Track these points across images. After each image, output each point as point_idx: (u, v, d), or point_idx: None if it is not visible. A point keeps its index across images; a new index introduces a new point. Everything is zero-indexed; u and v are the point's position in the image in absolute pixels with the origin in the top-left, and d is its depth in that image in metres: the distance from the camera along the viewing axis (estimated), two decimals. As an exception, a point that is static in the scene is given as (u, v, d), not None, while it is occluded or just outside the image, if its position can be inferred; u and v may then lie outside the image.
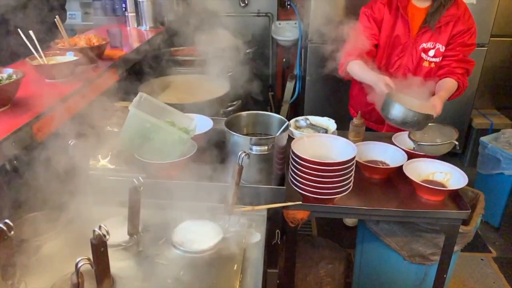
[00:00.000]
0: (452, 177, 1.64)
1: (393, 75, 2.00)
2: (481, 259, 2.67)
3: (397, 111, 1.62)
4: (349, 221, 2.93)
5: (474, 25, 1.98)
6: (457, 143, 1.63)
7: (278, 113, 1.66)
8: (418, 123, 1.62)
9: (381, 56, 2.10)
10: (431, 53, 2.00)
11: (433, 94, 1.91)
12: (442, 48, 1.98)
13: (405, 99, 1.75)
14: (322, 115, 2.04)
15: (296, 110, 4.00)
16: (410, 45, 2.03)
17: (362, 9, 2.10)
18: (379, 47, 2.09)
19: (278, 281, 1.63)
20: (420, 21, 1.99)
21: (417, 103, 1.75)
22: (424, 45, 2.01)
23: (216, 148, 1.67)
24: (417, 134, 1.73)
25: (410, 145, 1.78)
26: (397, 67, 2.09)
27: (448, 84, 1.93)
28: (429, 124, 1.70)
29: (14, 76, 1.38)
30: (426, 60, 2.02)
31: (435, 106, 1.76)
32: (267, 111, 1.68)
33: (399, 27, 2.02)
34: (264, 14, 4.02)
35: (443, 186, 1.61)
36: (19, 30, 1.53)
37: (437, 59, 2.01)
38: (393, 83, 1.81)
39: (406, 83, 1.90)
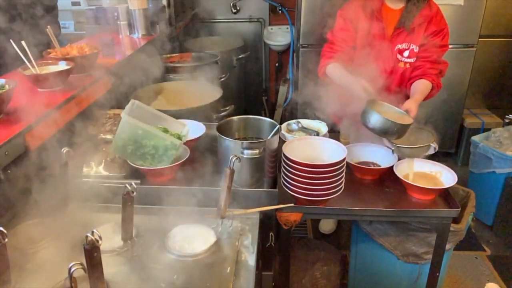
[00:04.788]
0: (442, 176, 1.67)
1: (370, 76, 2.02)
2: (475, 258, 2.69)
3: (376, 121, 1.63)
4: (325, 229, 2.89)
5: (446, 26, 2.01)
6: (435, 145, 1.66)
7: (272, 117, 1.68)
8: (397, 132, 1.64)
9: (358, 57, 2.12)
10: (406, 53, 2.02)
11: (408, 96, 1.94)
12: (416, 49, 2.01)
13: (383, 107, 1.76)
14: (315, 118, 2.05)
15: (290, 113, 4.03)
16: (386, 46, 2.05)
17: (338, 11, 2.12)
18: (356, 49, 2.11)
19: (273, 284, 1.64)
20: (395, 22, 2.01)
21: (393, 110, 1.76)
22: (399, 46, 2.03)
23: (208, 153, 1.70)
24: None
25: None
26: (373, 68, 2.10)
27: (423, 86, 1.96)
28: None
29: (7, 86, 1.39)
30: (401, 61, 2.04)
31: (410, 109, 1.77)
32: (261, 115, 1.70)
33: (374, 28, 2.03)
34: (255, 20, 4.06)
35: (433, 185, 1.63)
36: (11, 41, 1.54)
37: (411, 60, 2.03)
38: (370, 87, 1.82)
39: (382, 85, 1.92)
